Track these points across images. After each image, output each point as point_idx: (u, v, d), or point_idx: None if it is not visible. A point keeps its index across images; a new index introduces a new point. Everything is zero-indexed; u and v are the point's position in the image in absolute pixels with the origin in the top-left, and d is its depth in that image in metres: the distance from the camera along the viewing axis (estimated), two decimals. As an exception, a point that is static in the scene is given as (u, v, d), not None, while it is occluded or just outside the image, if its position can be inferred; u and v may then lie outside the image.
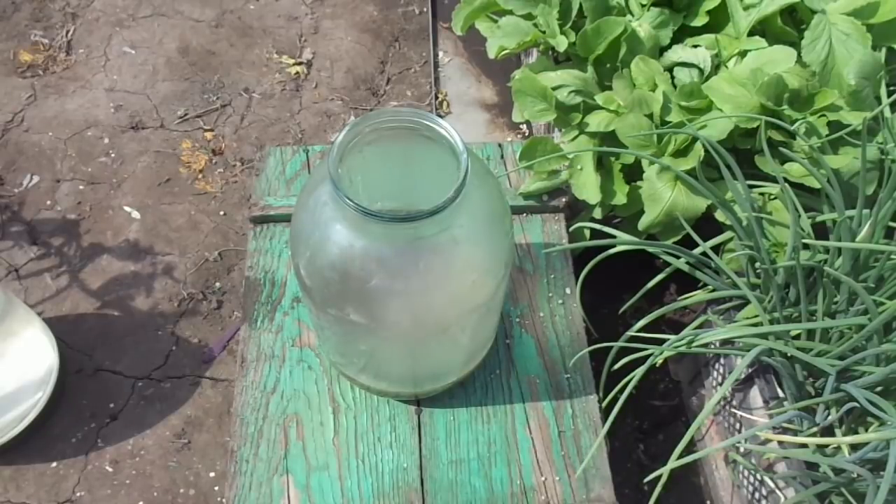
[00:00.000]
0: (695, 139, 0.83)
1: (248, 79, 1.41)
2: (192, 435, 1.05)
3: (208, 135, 1.34)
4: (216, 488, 1.01)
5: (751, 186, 0.81)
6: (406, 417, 0.77)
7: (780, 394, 0.76)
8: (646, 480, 0.69)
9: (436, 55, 1.47)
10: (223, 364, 1.11)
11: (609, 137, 0.88)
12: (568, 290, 0.85)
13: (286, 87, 1.41)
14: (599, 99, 0.89)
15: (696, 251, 0.79)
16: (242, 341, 0.81)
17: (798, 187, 0.81)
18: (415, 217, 0.53)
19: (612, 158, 0.89)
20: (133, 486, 1.01)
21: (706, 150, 0.80)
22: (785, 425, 0.73)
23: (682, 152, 0.85)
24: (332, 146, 0.56)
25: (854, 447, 0.66)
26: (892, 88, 0.86)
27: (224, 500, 0.78)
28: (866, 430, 0.70)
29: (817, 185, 0.78)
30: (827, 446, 0.70)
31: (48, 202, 1.25)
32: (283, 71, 1.43)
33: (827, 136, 0.82)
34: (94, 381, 1.09)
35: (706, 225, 0.83)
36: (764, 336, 0.71)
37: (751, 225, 0.75)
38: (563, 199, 0.91)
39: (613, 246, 0.79)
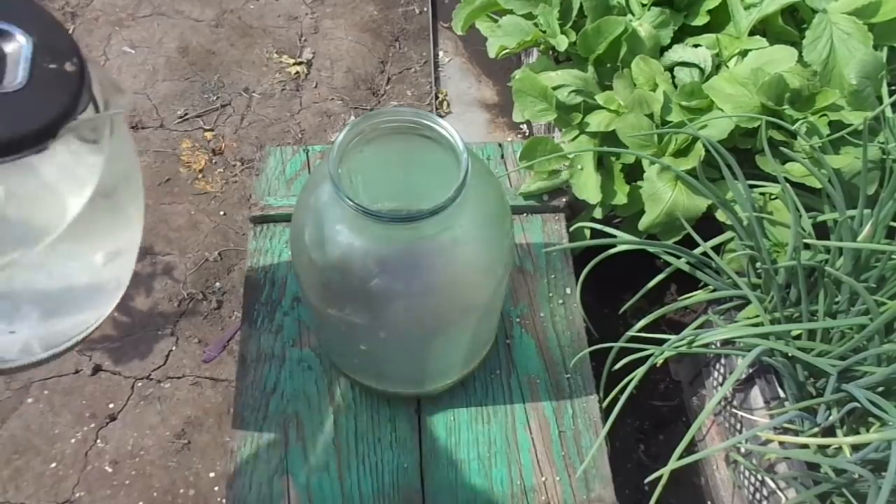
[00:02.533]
0: (695, 139, 0.83)
1: (248, 79, 1.41)
2: (192, 435, 1.05)
3: (208, 135, 1.34)
4: (216, 488, 1.01)
5: (751, 186, 0.81)
6: (406, 417, 0.76)
7: (781, 394, 0.76)
8: (646, 481, 0.69)
9: (436, 55, 1.47)
10: (223, 364, 1.11)
11: (609, 137, 0.88)
12: (568, 290, 0.85)
13: (286, 86, 1.41)
14: (600, 99, 0.89)
15: (697, 251, 0.79)
16: (242, 341, 0.81)
17: (799, 187, 0.81)
18: (415, 217, 0.53)
19: (613, 158, 0.89)
20: (133, 487, 1.00)
21: (707, 150, 0.80)
22: (786, 426, 0.73)
23: (682, 152, 0.85)
24: (332, 146, 0.55)
25: (855, 448, 0.66)
26: (893, 88, 0.86)
27: (224, 500, 0.78)
28: (867, 431, 0.70)
29: (818, 185, 0.78)
30: (828, 447, 0.70)
31: (48, 202, 1.25)
32: (283, 71, 1.43)
33: (828, 135, 0.82)
34: (94, 381, 1.08)
35: (707, 225, 0.83)
36: (765, 336, 0.71)
37: (751, 225, 0.75)
38: (564, 199, 0.91)
39: (614, 246, 0.79)
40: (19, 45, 0.34)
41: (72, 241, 0.38)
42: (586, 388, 0.78)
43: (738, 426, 0.82)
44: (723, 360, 0.86)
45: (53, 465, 1.02)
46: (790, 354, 0.70)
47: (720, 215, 0.82)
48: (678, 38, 0.93)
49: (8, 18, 0.34)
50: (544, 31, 0.95)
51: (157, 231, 1.23)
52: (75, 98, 0.35)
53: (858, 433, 0.70)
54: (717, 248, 0.82)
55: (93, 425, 1.05)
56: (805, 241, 0.74)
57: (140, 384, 1.09)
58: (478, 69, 1.45)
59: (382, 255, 0.58)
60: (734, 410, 0.82)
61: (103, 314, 0.46)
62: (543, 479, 0.73)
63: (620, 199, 0.87)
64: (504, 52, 0.97)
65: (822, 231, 0.79)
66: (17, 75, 0.33)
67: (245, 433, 0.75)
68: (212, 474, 1.02)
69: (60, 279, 0.40)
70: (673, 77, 0.91)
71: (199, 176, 1.29)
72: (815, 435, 0.71)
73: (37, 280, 0.38)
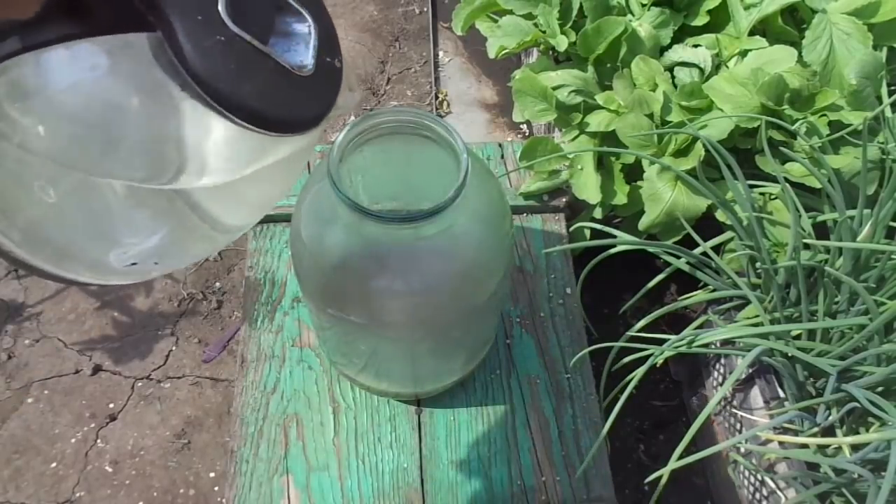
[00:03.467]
0: (695, 139, 0.83)
1: (248, 79, 1.41)
2: (192, 435, 1.05)
3: (208, 135, 1.34)
4: (216, 488, 1.01)
5: (751, 186, 0.81)
6: (406, 417, 0.76)
7: (781, 394, 0.76)
8: (646, 481, 0.69)
9: (436, 55, 1.47)
10: (223, 364, 1.11)
11: (609, 137, 0.88)
12: (568, 290, 0.85)
13: (286, 86, 1.41)
14: (600, 99, 0.89)
15: (697, 251, 0.79)
16: (242, 341, 0.81)
17: (799, 187, 0.81)
18: (415, 217, 0.53)
19: (613, 158, 0.89)
20: (133, 486, 1.00)
21: (707, 150, 0.80)
22: (786, 425, 0.73)
23: (682, 152, 0.85)
24: (332, 146, 0.56)
25: (855, 447, 0.66)
26: (892, 88, 0.86)
27: (224, 500, 0.78)
28: (867, 431, 0.70)
29: (818, 185, 0.78)
30: (828, 447, 0.70)
31: (48, 202, 1.25)
32: (284, 71, 1.42)
33: (828, 135, 0.82)
34: (94, 381, 1.08)
35: (706, 225, 0.83)
36: (764, 336, 0.71)
37: (751, 225, 0.75)
38: (564, 199, 0.91)
39: (614, 246, 0.79)
40: (308, 30, 0.36)
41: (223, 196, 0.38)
42: (586, 388, 0.78)
43: (738, 426, 0.82)
44: (723, 360, 0.86)
45: (54, 464, 1.02)
46: (790, 354, 0.70)
47: (720, 215, 0.82)
48: (678, 38, 0.93)
49: (299, 2, 0.36)
50: (544, 31, 0.95)
51: (157, 231, 1.23)
52: (336, 95, 0.37)
53: (858, 433, 0.70)
54: (717, 248, 0.82)
55: (93, 425, 1.05)
56: (805, 241, 0.74)
57: (140, 384, 1.09)
58: (478, 69, 1.45)
59: (382, 255, 0.59)
60: (734, 410, 0.82)
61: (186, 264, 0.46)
62: (543, 479, 0.73)
63: (620, 199, 0.87)
64: (504, 52, 0.97)
65: (821, 231, 0.79)
66: (307, 62, 0.35)
67: (245, 433, 0.75)
68: (212, 474, 1.02)
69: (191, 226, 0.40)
70: (673, 77, 0.91)
71: (199, 176, 1.29)
72: (814, 435, 0.71)
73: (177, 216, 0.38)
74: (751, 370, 0.78)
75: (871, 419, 0.69)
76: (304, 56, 0.35)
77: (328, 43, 0.37)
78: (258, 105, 0.32)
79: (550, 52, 0.99)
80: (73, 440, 1.04)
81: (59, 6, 0.29)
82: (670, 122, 0.86)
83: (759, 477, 0.77)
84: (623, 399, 0.70)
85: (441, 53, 1.48)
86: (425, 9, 1.53)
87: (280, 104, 0.33)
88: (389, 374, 0.73)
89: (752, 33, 0.90)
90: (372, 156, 0.60)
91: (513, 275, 0.85)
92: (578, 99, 0.89)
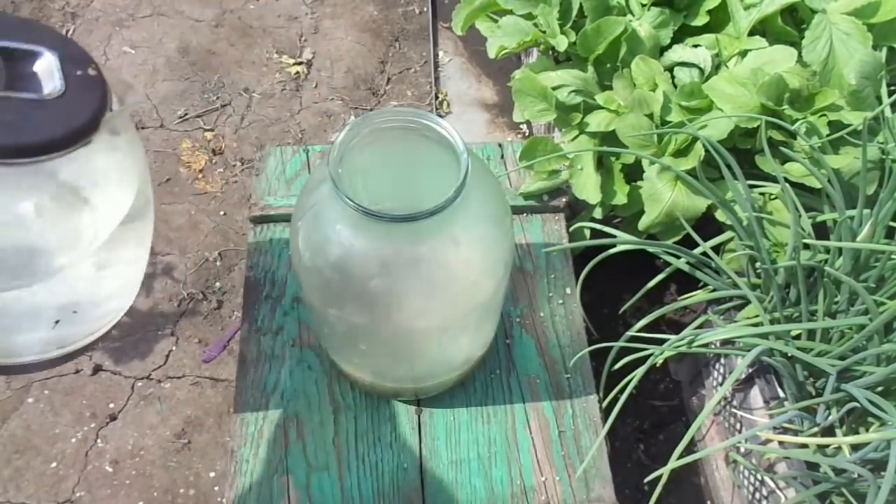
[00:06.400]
0: (695, 139, 0.83)
1: (248, 79, 1.41)
2: (192, 435, 1.05)
3: (208, 135, 1.34)
4: (216, 488, 1.01)
5: (751, 186, 0.81)
6: (406, 417, 0.76)
7: (781, 394, 0.76)
8: (646, 481, 0.69)
9: (436, 55, 1.47)
10: (223, 364, 1.11)
11: (609, 137, 0.88)
12: (568, 290, 0.85)
13: (286, 86, 1.41)
14: (600, 99, 0.89)
15: (697, 251, 0.79)
16: (242, 341, 0.81)
17: (799, 187, 0.81)
18: (415, 217, 0.53)
19: (613, 158, 0.89)
20: (133, 486, 1.01)
21: (706, 150, 0.80)
22: (785, 425, 0.73)
23: (682, 152, 0.85)
24: (332, 146, 0.56)
25: (855, 447, 0.66)
26: (892, 88, 0.86)
27: (224, 500, 0.78)
28: (867, 431, 0.70)
29: (818, 185, 0.78)
30: (827, 446, 0.70)
31: (48, 202, 1.25)
32: (283, 71, 1.43)
33: (827, 135, 0.82)
34: (94, 381, 1.09)
35: (706, 225, 0.83)
36: (764, 336, 0.71)
37: (751, 225, 0.75)
38: (564, 199, 0.91)
39: (613, 246, 0.79)
40: (48, 60, 0.40)
41: (104, 249, 0.42)
42: (586, 388, 0.78)
43: (738, 426, 0.82)
44: (722, 360, 0.86)
45: (54, 464, 1.02)
46: (790, 354, 0.70)
47: (720, 215, 0.82)
48: (678, 38, 0.93)
49: (30, 41, 0.40)
50: (544, 31, 0.95)
51: (157, 231, 1.22)
52: (104, 96, 0.41)
53: (858, 433, 0.70)
54: (717, 248, 0.82)
55: (93, 425, 1.05)
56: (805, 241, 0.74)
57: (140, 384, 1.09)
58: (478, 69, 1.45)
59: (382, 255, 0.59)
60: (734, 410, 0.82)
61: (117, 317, 0.49)
62: (543, 479, 0.73)
63: (620, 199, 0.87)
64: (504, 52, 0.97)
65: (821, 231, 0.79)
66: (56, 84, 0.39)
67: (245, 433, 0.75)
68: (212, 474, 1.02)
69: (84, 288, 0.44)
70: (673, 77, 0.91)
71: (199, 176, 1.29)
72: (814, 435, 0.71)
73: (59, 292, 0.43)
74: (751, 370, 0.78)
75: (870, 419, 0.69)
76: (54, 81, 0.39)
77: (73, 58, 0.40)
78: (8, 139, 0.36)
79: (550, 52, 0.99)
80: (73, 440, 1.04)
81: None
82: (670, 122, 0.87)
83: (759, 477, 0.77)
84: (623, 399, 0.70)
85: (441, 53, 1.48)
86: (425, 9, 1.53)
87: (36, 131, 0.37)
88: (389, 373, 0.73)
89: (752, 33, 0.90)
90: (372, 156, 0.60)
91: (513, 275, 0.85)
92: (578, 99, 0.89)
